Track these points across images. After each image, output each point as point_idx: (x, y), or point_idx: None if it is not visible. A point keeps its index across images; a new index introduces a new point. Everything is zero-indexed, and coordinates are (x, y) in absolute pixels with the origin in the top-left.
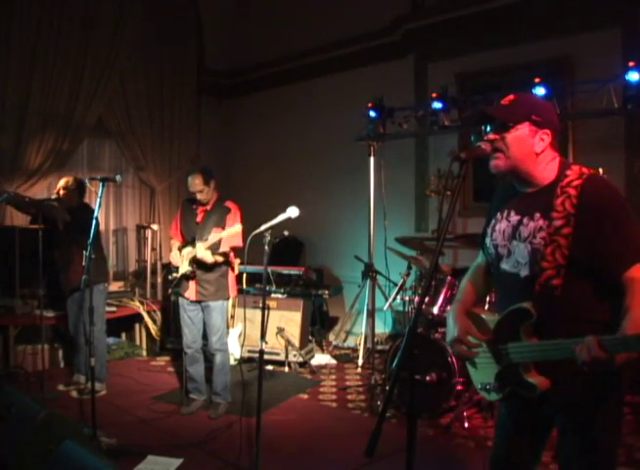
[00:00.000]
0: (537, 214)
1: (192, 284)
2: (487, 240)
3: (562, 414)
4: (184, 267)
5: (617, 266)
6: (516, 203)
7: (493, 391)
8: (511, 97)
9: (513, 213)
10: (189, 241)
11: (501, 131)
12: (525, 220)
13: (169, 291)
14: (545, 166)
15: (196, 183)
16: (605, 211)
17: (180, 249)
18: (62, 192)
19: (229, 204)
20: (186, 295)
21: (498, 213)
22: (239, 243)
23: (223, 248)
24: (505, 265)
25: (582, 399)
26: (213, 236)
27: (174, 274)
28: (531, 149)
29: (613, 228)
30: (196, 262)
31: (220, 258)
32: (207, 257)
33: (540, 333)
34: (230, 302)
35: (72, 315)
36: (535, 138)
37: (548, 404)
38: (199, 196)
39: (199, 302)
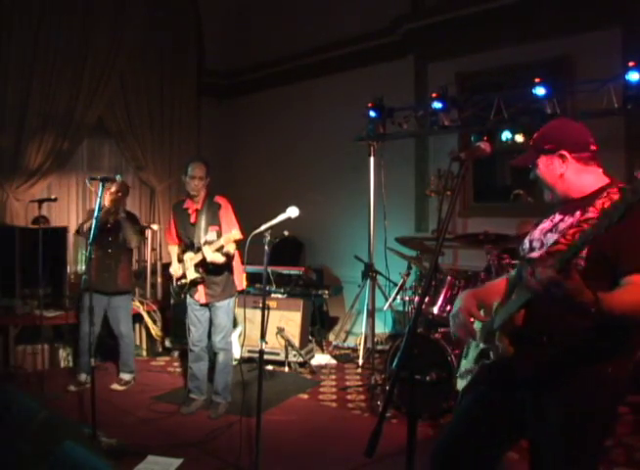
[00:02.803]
0: (578, 212)
1: (200, 287)
2: (527, 238)
3: (529, 397)
4: (191, 274)
5: (622, 268)
6: (561, 207)
7: (467, 373)
8: (535, 135)
9: (557, 214)
10: (187, 244)
11: (533, 172)
12: (566, 218)
13: (181, 296)
14: (577, 180)
15: (198, 170)
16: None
17: (179, 257)
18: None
19: (218, 199)
20: (196, 297)
21: (546, 218)
22: (238, 236)
23: (227, 248)
24: (534, 255)
25: (550, 379)
26: (210, 236)
27: (182, 281)
28: (555, 173)
29: (633, 236)
30: (203, 266)
31: (228, 257)
32: (218, 258)
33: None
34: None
35: (118, 317)
36: (554, 163)
37: (516, 384)
38: (193, 183)
39: (208, 303)
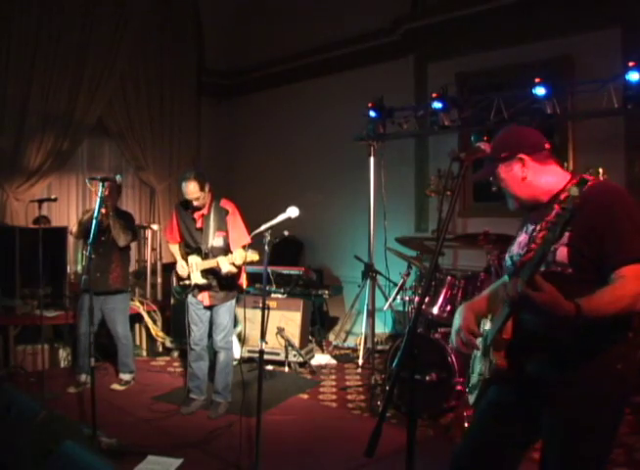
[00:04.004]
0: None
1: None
2: (507, 255)
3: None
4: (197, 278)
5: (610, 263)
6: (533, 215)
7: (474, 388)
8: (490, 148)
9: (529, 225)
10: (193, 248)
11: (495, 183)
12: (539, 227)
13: (183, 297)
14: (541, 182)
15: (192, 190)
16: (603, 207)
17: (185, 258)
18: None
19: (225, 204)
20: (199, 298)
21: (521, 230)
22: (247, 241)
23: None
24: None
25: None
26: (217, 242)
27: (186, 281)
28: (517, 179)
29: (608, 226)
30: (213, 273)
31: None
32: (233, 269)
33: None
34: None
35: (114, 317)
36: (514, 169)
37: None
38: (195, 203)
39: (211, 305)
